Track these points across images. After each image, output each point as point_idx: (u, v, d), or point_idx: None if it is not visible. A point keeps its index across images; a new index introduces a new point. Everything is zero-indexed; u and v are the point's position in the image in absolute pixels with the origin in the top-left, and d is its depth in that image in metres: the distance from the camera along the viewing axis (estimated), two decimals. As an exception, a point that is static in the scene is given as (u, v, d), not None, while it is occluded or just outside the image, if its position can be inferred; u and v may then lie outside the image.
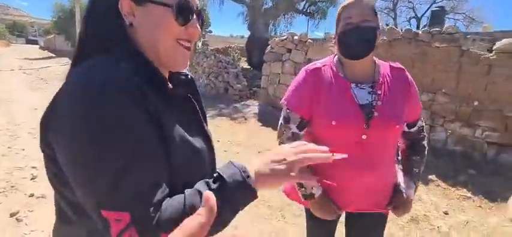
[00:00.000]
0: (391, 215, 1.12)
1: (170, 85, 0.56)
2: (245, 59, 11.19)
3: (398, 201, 1.06)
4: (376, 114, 0.93)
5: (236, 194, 0.45)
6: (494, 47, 3.25)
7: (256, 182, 0.47)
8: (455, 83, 3.47)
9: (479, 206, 2.59)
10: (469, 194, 2.75)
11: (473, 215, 2.43)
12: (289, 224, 2.21)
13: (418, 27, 14.63)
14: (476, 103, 3.35)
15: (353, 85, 0.97)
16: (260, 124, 5.00)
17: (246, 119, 5.26)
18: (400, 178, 1.08)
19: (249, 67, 10.03)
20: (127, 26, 0.50)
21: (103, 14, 0.50)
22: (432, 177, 3.04)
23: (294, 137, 1.04)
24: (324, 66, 1.00)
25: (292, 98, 1.02)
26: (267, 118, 5.23)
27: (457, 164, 3.26)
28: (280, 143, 1.07)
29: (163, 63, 0.52)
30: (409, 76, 1.01)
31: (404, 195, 1.05)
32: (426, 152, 1.07)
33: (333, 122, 0.94)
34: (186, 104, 0.57)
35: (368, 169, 0.97)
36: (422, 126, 1.06)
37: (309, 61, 4.85)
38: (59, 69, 11.72)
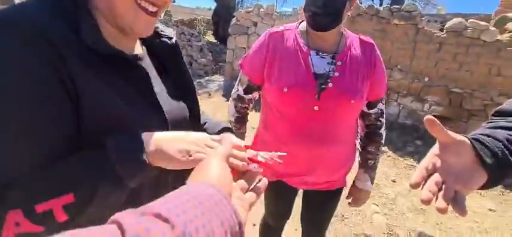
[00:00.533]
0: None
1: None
2: (212, 32, 10.67)
3: (355, 195, 1.10)
4: (330, 84, 0.89)
5: (125, 163, 0.41)
6: (445, 26, 3.44)
7: (151, 157, 0.42)
8: (410, 60, 3.65)
9: (423, 174, 2.84)
10: (415, 164, 2.99)
11: (417, 182, 2.66)
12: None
13: (380, 5, 15.17)
14: (426, 79, 3.58)
15: (313, 52, 0.92)
16: (225, 99, 4.86)
17: (210, 95, 5.08)
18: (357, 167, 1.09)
19: (215, 41, 9.61)
20: None
21: None
22: (385, 149, 3.24)
23: (239, 99, 1.05)
24: (287, 30, 0.96)
25: (247, 60, 1.00)
26: (232, 93, 5.11)
27: (406, 136, 3.52)
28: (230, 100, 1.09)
29: (122, 27, 0.46)
30: (377, 53, 0.96)
31: (359, 188, 1.07)
32: (383, 140, 1.04)
33: (285, 89, 0.89)
34: (135, 71, 0.49)
35: (320, 144, 0.93)
36: (382, 111, 1.02)
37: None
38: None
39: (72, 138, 0.41)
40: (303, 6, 0.91)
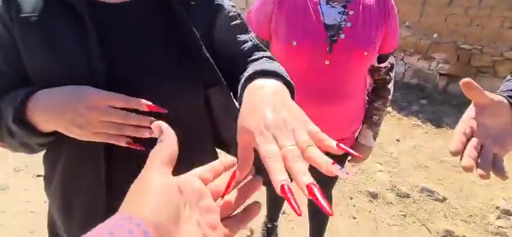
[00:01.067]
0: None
1: None
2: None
3: (357, 151, 1.08)
4: (342, 36, 0.84)
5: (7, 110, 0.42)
6: (458, -24, 3.20)
7: (31, 111, 0.41)
8: (419, 16, 3.46)
9: (427, 132, 2.84)
10: (419, 122, 2.98)
11: (420, 140, 2.67)
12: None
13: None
14: (435, 35, 3.43)
15: (323, 1, 0.86)
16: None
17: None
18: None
19: None
20: None
21: None
22: (389, 109, 3.21)
23: None
24: None
25: (253, 13, 0.94)
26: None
27: (411, 95, 3.47)
28: None
29: None
30: (392, 3, 0.90)
31: (362, 143, 1.05)
32: (390, 96, 1.01)
33: (293, 43, 0.84)
34: (82, 20, 0.44)
35: (331, 101, 0.90)
36: (392, 65, 0.98)
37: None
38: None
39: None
40: None
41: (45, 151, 0.54)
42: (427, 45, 3.50)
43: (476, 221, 1.82)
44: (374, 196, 1.97)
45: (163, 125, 0.26)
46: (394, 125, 2.96)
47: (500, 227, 1.75)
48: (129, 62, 0.46)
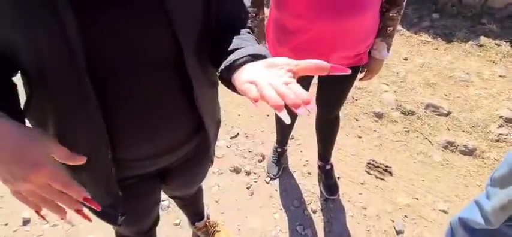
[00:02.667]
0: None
1: None
2: None
3: (371, 65, 1.06)
4: None
5: None
6: None
7: None
8: None
9: (436, 49, 2.72)
10: (429, 38, 2.83)
11: (429, 57, 2.58)
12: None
13: None
14: None
15: None
16: None
17: None
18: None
19: None
20: None
21: None
22: (398, 27, 3.02)
23: (251, 21, 0.93)
24: None
25: None
26: None
27: (423, 9, 3.21)
28: None
29: None
30: None
31: (375, 58, 1.02)
32: (404, 2, 0.95)
33: None
34: None
35: (346, 14, 0.85)
36: None
37: None
38: None
39: None
40: None
41: (26, 108, 0.50)
42: None
43: (477, 131, 1.88)
44: (379, 116, 2.01)
45: None
46: (402, 43, 2.83)
47: (501, 134, 1.82)
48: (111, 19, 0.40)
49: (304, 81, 1.16)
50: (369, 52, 1.04)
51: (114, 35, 0.41)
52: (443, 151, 1.79)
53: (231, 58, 0.42)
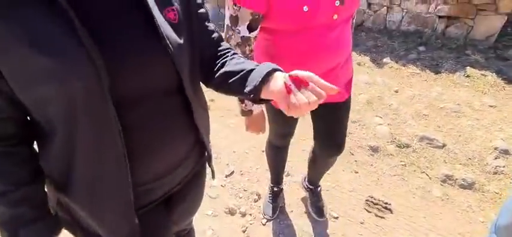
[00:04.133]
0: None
1: None
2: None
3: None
4: None
5: None
6: None
7: None
8: (417, -47, 3.20)
9: (425, 80, 2.80)
10: (417, 70, 2.93)
11: (419, 89, 2.64)
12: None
13: None
14: (434, -26, 3.21)
15: None
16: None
17: (197, 27, 4.68)
18: None
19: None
20: None
21: None
22: (387, 60, 3.13)
23: (245, 42, 0.86)
24: None
25: None
26: (222, 23, 4.69)
27: (409, 43, 3.36)
28: None
29: None
30: None
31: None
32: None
33: (305, 9, 0.78)
34: (57, 9, 0.42)
35: (337, 52, 0.90)
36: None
37: None
38: None
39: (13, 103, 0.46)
40: None
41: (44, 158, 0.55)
42: (426, -14, 3.30)
43: (474, 163, 1.87)
44: (375, 149, 2.00)
45: None
46: (392, 76, 2.91)
47: (497, 166, 1.80)
48: (112, 42, 0.47)
49: (293, 119, 1.18)
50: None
51: (133, 71, 0.49)
52: (442, 185, 1.76)
53: (255, 78, 0.53)
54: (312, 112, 1.15)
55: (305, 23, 0.82)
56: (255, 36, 0.88)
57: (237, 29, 0.84)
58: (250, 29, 0.84)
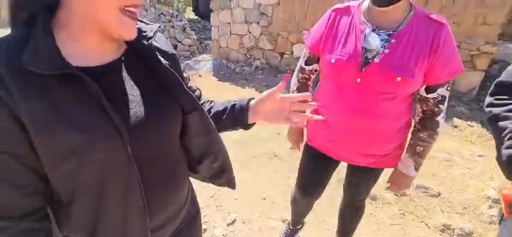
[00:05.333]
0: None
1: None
2: (191, 9, 10.17)
3: (394, 176, 1.08)
4: (376, 59, 0.89)
5: None
6: (431, -21, 3.38)
7: None
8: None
9: (416, 129, 2.95)
10: (408, 120, 3.10)
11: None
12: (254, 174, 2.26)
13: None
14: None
15: (368, 29, 0.92)
16: (216, 79, 4.78)
17: (201, 76, 4.97)
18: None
19: (196, 17, 9.20)
20: None
21: None
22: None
23: (300, 70, 1.16)
24: (351, 6, 0.99)
25: (309, 34, 1.08)
26: (223, 72, 5.01)
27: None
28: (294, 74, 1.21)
29: (108, 31, 0.48)
30: (445, 35, 0.87)
31: (401, 171, 1.04)
32: (439, 129, 0.97)
33: (332, 60, 0.95)
34: (87, 85, 0.46)
35: (360, 114, 0.95)
36: (444, 97, 0.94)
37: (260, 6, 4.62)
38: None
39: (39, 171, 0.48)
40: None
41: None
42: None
43: (470, 212, 1.92)
44: (373, 198, 2.05)
45: None
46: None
47: (492, 216, 1.85)
48: (133, 110, 0.52)
49: (322, 169, 1.22)
50: (397, 165, 1.08)
51: (153, 136, 0.55)
52: (441, 234, 1.78)
53: (237, 108, 0.69)
54: (347, 167, 1.23)
55: (333, 74, 0.98)
56: (310, 70, 1.15)
57: (301, 60, 1.15)
58: (307, 63, 1.13)
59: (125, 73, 0.54)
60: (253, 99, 0.71)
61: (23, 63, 0.42)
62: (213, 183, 0.76)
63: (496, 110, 0.82)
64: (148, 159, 0.55)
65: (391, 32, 0.90)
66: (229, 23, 5.02)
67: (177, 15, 6.75)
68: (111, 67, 0.52)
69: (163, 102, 0.57)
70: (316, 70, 1.14)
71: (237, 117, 0.69)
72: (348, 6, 0.99)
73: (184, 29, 6.35)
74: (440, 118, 0.96)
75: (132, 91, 0.53)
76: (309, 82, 1.18)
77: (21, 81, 0.42)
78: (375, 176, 1.17)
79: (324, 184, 1.26)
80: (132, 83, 0.54)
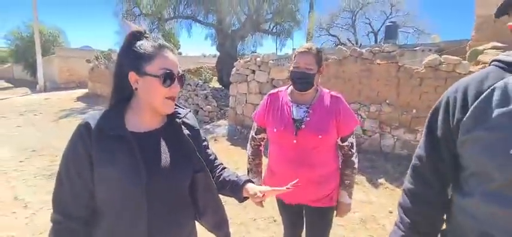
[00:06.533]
0: (344, 219, 1.46)
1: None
2: (216, 79, 11.38)
3: (339, 206, 1.42)
4: (303, 126, 1.29)
5: None
6: (423, 62, 3.77)
7: None
8: (396, 95, 3.94)
9: (420, 203, 2.93)
10: (411, 193, 3.10)
11: (413, 211, 2.75)
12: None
13: (376, 41, 15.89)
14: (414, 111, 3.82)
15: (294, 105, 1.35)
16: (229, 143, 5.15)
17: (216, 140, 5.39)
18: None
19: (220, 86, 10.24)
20: (134, 89, 0.79)
21: (121, 78, 0.80)
22: (382, 181, 3.38)
23: (252, 139, 1.52)
24: (280, 91, 1.42)
25: (257, 113, 1.48)
26: (236, 137, 5.41)
27: (402, 166, 3.65)
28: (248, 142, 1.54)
29: (157, 110, 0.81)
30: (342, 103, 1.33)
31: (341, 201, 1.40)
32: (356, 165, 1.37)
33: (274, 130, 1.34)
34: (128, 144, 0.76)
35: (300, 166, 1.30)
36: (352, 143, 1.35)
37: (272, 80, 5.23)
38: (19, 100, 11.00)
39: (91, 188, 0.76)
40: (290, 75, 1.34)
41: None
42: (409, 119, 3.87)
43: None
44: (366, 271, 2.03)
45: None
46: (387, 197, 3.09)
47: None
48: (160, 166, 0.79)
49: (291, 212, 1.48)
50: (338, 197, 1.40)
51: (164, 177, 0.79)
52: None
53: (237, 184, 0.93)
54: (304, 213, 1.49)
55: (276, 138, 1.35)
56: (260, 138, 1.49)
57: (252, 131, 1.50)
58: (256, 133, 1.49)
59: (160, 138, 0.82)
60: (251, 181, 0.94)
61: (101, 125, 0.74)
62: (217, 235, 0.97)
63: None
64: (158, 195, 0.76)
65: (308, 105, 1.33)
66: (245, 93, 5.64)
67: (201, 85, 7.66)
68: (152, 133, 0.81)
69: (180, 161, 0.81)
70: (264, 138, 1.49)
71: (235, 191, 0.93)
72: (278, 91, 1.42)
73: (206, 97, 7.13)
74: (354, 158, 1.36)
75: (161, 150, 0.80)
76: (260, 148, 1.53)
77: (97, 133, 0.73)
78: (327, 215, 1.41)
79: (300, 224, 1.51)
80: (163, 144, 0.81)
